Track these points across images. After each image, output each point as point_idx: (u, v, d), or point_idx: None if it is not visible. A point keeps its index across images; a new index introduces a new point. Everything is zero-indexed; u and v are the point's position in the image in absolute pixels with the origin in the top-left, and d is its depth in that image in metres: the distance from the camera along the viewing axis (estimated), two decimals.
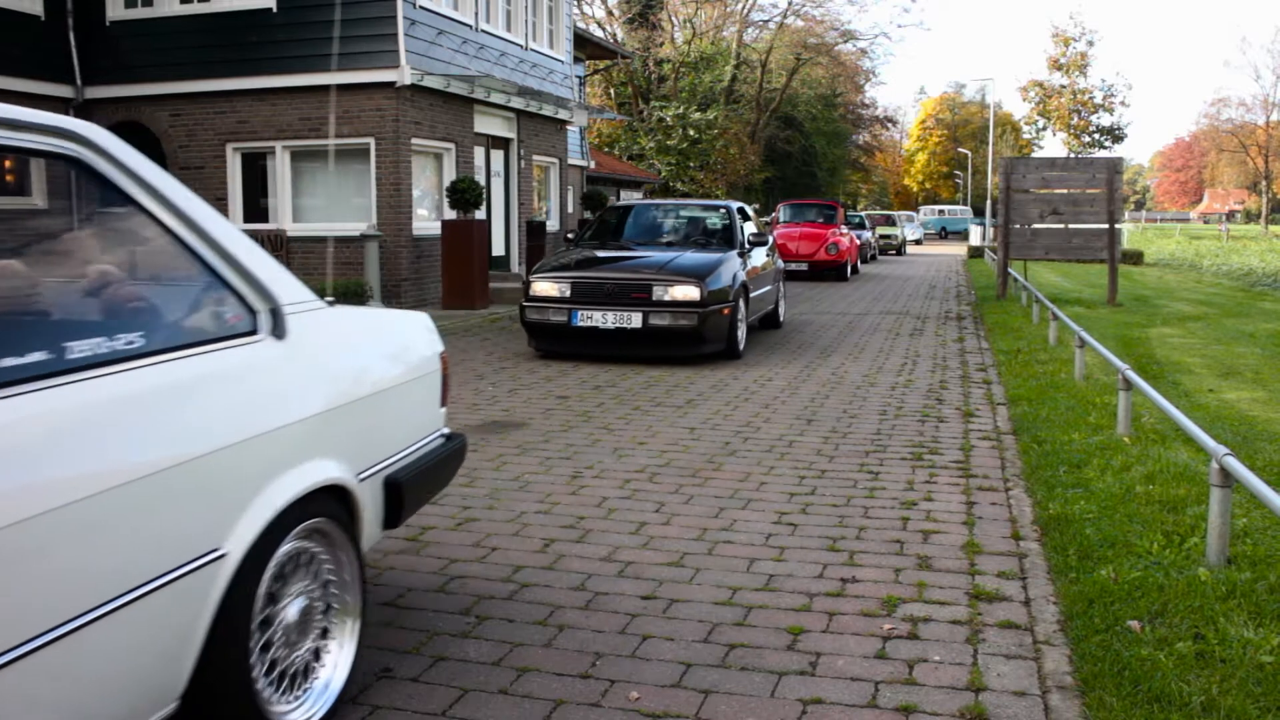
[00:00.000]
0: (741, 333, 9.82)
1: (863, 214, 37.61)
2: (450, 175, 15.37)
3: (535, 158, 18.73)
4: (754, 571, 4.02)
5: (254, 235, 13.33)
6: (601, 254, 10.40)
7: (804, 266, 21.18)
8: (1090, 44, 65.60)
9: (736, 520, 4.69)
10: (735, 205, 11.36)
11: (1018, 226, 16.25)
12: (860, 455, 5.97)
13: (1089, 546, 4.14)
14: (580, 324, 9.25)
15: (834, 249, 21.44)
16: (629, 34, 44.92)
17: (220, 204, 14.59)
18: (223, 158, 14.60)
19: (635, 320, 9.11)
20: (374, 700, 2.95)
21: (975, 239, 41.90)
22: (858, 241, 24.67)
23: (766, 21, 52.97)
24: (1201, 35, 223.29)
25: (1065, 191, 16.11)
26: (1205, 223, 70.06)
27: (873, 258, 32.36)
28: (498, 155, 17.41)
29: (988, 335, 11.93)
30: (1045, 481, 5.20)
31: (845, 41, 54.75)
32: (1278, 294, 20.89)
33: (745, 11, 51.11)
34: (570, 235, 11.58)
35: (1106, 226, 15.91)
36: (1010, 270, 16.41)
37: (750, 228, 11.27)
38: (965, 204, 69.49)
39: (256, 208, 14.76)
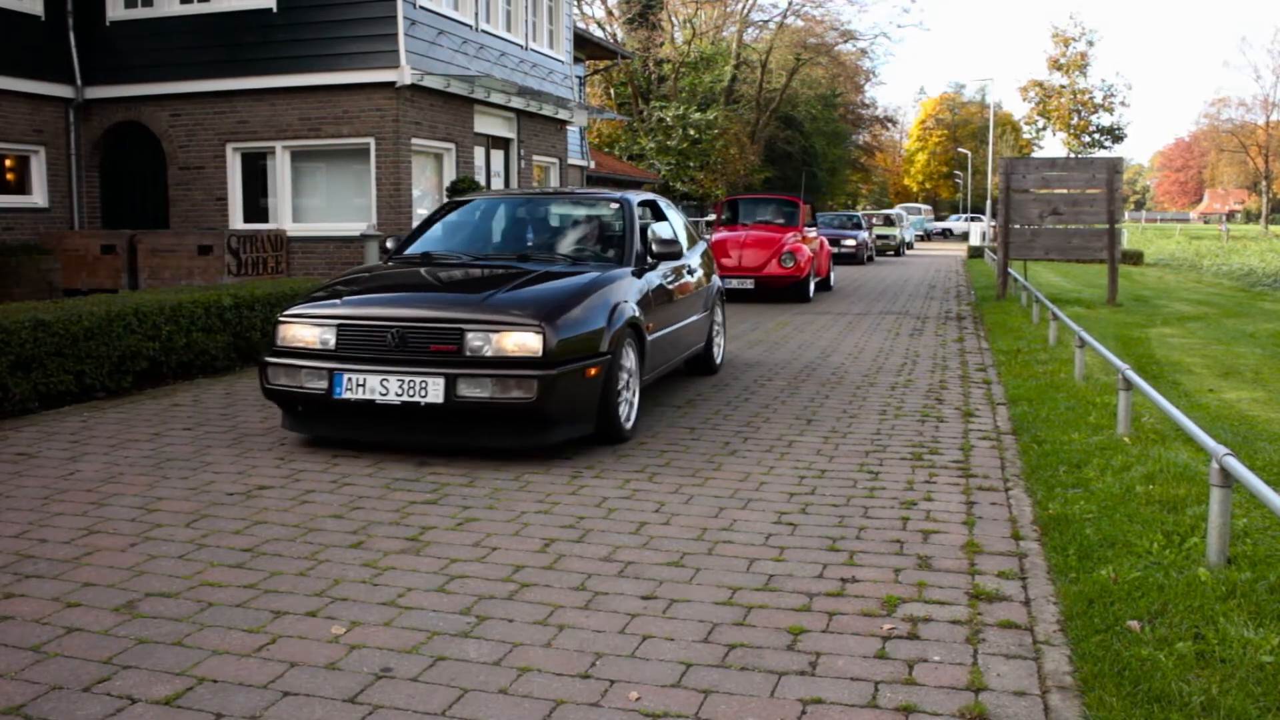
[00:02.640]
0: (629, 399, 6.30)
1: (860, 214, 35.07)
2: (450, 175, 15.37)
3: (535, 158, 18.72)
4: (754, 571, 4.02)
5: (254, 235, 13.39)
6: (402, 276, 6.78)
7: (749, 284, 15.87)
8: (1090, 44, 65.73)
9: (736, 520, 4.69)
10: (637, 199, 7.67)
11: (1018, 226, 16.25)
12: (860, 455, 5.97)
13: (1089, 546, 4.14)
14: (346, 395, 5.64)
15: (790, 260, 15.83)
16: (629, 34, 44.93)
17: (220, 204, 14.59)
18: (223, 158, 14.60)
19: (433, 391, 5.48)
20: (374, 700, 2.95)
21: (975, 238, 41.80)
22: (829, 249, 19.43)
23: (766, 21, 53.03)
24: (1201, 35, 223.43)
25: (1065, 191, 16.10)
26: (1205, 223, 70.14)
27: (869, 259, 30.68)
28: (498, 155, 17.41)
29: (987, 335, 11.93)
30: (1045, 481, 5.20)
31: (845, 41, 54.81)
32: (1278, 294, 20.89)
33: (745, 11, 51.15)
34: (389, 244, 7.66)
35: (1106, 227, 15.92)
36: (1010, 270, 16.41)
37: (664, 230, 7.91)
38: (965, 203, 69.68)
39: (256, 208, 14.76)
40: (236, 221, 14.60)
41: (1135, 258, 31.64)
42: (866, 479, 5.43)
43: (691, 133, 40.57)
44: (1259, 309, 16.99)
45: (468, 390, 5.48)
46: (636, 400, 6.46)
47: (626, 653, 3.27)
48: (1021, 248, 16.31)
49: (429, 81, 14.12)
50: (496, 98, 16.32)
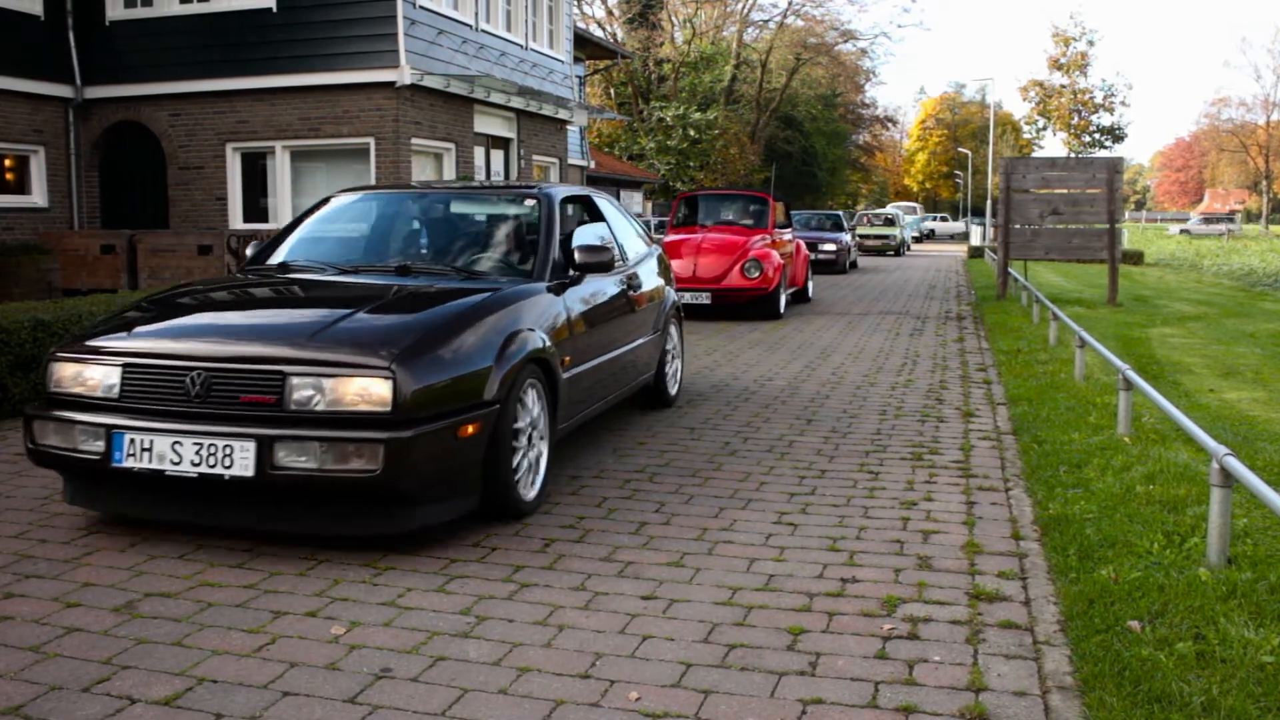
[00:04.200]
0: (530, 464, 4.78)
1: (839, 212, 28.22)
2: (450, 175, 15.37)
3: (535, 158, 18.72)
4: (754, 571, 4.01)
5: (254, 235, 13.39)
6: (225, 295, 5.22)
7: (705, 298, 13.18)
8: (1090, 44, 65.53)
9: (736, 520, 4.68)
10: (562, 194, 6.16)
11: (1018, 226, 16.25)
12: (860, 455, 5.97)
13: (1089, 546, 4.14)
14: (128, 463, 4.13)
15: (755, 269, 13.17)
16: (629, 34, 44.96)
17: (220, 204, 14.60)
18: (222, 158, 14.60)
19: (242, 459, 4.00)
20: (374, 700, 2.95)
21: (976, 239, 41.69)
22: (807, 254, 16.74)
23: (766, 21, 53.09)
24: (1201, 35, 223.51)
25: (1065, 191, 16.11)
26: (1205, 222, 70.09)
27: (852, 265, 26.45)
28: (498, 155, 17.41)
29: (988, 335, 11.93)
30: (1045, 481, 5.20)
31: (845, 41, 54.86)
32: (1278, 294, 20.89)
33: (745, 11, 51.19)
34: (249, 250, 6.12)
35: (1107, 226, 15.92)
36: (1010, 270, 16.41)
37: (593, 235, 6.22)
38: (965, 203, 69.66)
39: (256, 208, 14.76)
40: (236, 221, 14.60)
41: (1135, 257, 31.63)
42: (866, 479, 5.43)
43: (691, 133, 40.58)
44: (1259, 309, 16.99)
45: (289, 459, 3.95)
46: (545, 459, 4.92)
47: (626, 653, 3.27)
48: (1022, 247, 16.31)
49: (429, 81, 14.12)
50: (496, 97, 16.32)
